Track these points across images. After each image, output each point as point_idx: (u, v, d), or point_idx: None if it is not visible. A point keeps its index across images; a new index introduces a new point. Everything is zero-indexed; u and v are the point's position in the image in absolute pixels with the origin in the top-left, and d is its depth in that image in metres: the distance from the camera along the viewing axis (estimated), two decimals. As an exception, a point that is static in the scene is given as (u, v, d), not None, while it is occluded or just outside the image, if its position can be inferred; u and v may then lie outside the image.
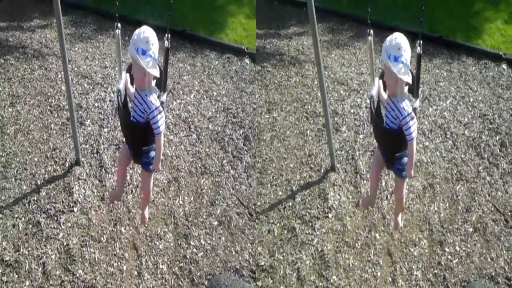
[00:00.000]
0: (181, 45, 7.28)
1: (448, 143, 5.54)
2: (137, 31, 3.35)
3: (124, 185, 4.40)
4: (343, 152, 5.39)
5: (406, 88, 3.45)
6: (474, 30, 7.50)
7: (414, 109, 3.46)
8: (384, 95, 3.67)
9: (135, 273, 4.19)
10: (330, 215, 4.73)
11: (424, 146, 5.49)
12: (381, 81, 3.73)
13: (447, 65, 6.87)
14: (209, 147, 5.50)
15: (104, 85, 6.18)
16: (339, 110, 5.99)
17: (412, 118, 3.41)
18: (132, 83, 3.66)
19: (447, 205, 4.85)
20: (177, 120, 5.81)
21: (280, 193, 5.00)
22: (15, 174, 4.97)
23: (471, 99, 6.21)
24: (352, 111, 5.93)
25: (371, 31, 3.73)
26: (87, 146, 5.32)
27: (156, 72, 3.37)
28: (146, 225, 4.55)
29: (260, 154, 5.44)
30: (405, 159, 3.65)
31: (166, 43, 3.51)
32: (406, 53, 3.35)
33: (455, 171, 5.20)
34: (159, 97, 3.50)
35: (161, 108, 3.47)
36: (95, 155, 5.21)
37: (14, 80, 6.26)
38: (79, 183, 4.90)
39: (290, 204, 4.88)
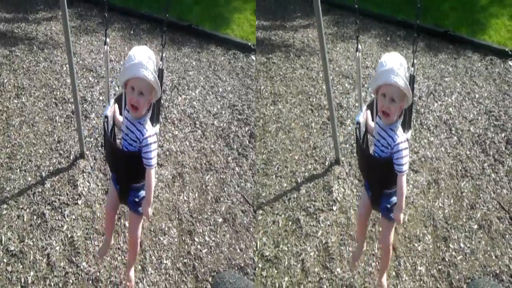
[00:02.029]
0: (187, 40, 7.27)
1: (453, 139, 5.53)
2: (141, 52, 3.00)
3: (112, 234, 3.85)
4: (347, 146, 5.38)
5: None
6: (479, 25, 7.46)
7: (407, 140, 3.13)
8: (373, 125, 3.33)
9: (139, 267, 4.19)
10: (334, 208, 4.73)
11: (429, 141, 5.47)
12: (369, 111, 3.43)
13: (452, 60, 6.85)
14: (214, 143, 5.49)
15: (109, 79, 6.16)
16: (344, 103, 5.98)
17: (405, 148, 3.07)
18: (120, 113, 3.35)
19: (451, 201, 4.84)
20: (182, 116, 5.81)
21: (285, 184, 5.00)
22: (20, 166, 4.98)
23: (477, 95, 6.19)
24: (357, 104, 5.91)
25: (360, 47, 3.51)
26: (91, 139, 5.32)
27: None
28: (150, 221, 4.54)
29: (265, 145, 5.43)
30: (395, 198, 3.24)
31: (160, 64, 3.17)
32: (402, 70, 2.98)
33: (460, 168, 5.19)
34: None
35: (156, 138, 3.13)
36: (99, 148, 5.21)
37: (20, 71, 6.27)
38: (83, 176, 4.90)
39: (295, 195, 4.87)
